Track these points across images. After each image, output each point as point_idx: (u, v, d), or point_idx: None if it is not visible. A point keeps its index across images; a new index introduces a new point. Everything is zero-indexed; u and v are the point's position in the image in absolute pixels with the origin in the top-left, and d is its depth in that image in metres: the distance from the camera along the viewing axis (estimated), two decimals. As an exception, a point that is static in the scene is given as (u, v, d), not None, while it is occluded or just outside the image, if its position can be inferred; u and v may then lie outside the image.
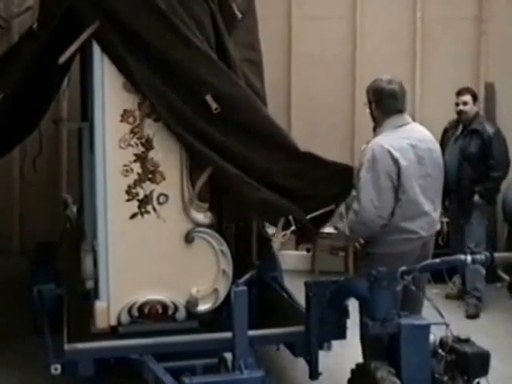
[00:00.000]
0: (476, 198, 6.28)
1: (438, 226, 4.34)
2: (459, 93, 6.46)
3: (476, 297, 6.30)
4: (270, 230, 5.58)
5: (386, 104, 4.11)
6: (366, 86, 4.27)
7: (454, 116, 6.51)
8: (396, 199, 4.01)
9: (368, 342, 4.08)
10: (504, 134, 6.41)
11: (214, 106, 3.96)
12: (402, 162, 3.98)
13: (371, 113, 4.20)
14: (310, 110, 7.52)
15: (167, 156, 4.13)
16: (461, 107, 6.38)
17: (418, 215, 4.06)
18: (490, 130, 6.35)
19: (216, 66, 4.03)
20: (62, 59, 4.06)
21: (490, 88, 7.67)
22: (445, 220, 7.21)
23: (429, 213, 4.11)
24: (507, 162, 6.38)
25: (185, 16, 4.00)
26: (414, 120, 4.34)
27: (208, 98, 3.93)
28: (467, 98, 6.39)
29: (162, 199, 4.15)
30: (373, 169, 3.97)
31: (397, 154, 3.98)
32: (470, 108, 6.37)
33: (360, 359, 3.86)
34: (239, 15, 4.30)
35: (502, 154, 6.33)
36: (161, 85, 3.98)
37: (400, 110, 4.15)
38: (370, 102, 4.18)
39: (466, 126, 6.38)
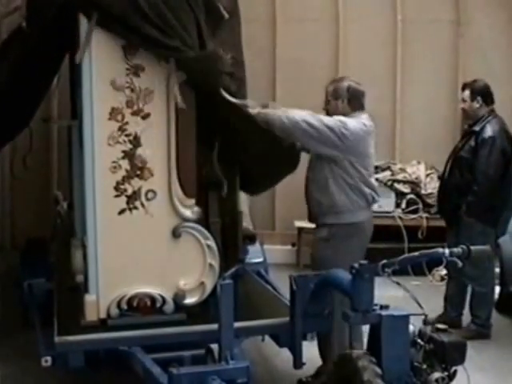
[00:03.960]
0: (460, 212, 5.57)
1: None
2: (462, 88, 5.82)
3: (477, 324, 5.75)
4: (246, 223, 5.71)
5: (357, 101, 4.63)
6: (329, 84, 4.71)
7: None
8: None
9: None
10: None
11: None
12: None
13: (335, 108, 4.63)
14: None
15: (155, 153, 4.18)
16: (461, 104, 5.79)
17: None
18: (487, 132, 5.55)
19: None
20: (78, 58, 4.02)
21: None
22: (424, 215, 7.38)
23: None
24: (488, 173, 5.51)
25: (171, 17, 4.01)
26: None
27: None
28: (466, 94, 5.69)
29: (150, 195, 4.20)
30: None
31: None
32: (468, 105, 5.67)
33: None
34: (226, 16, 4.34)
35: (483, 164, 5.51)
36: None
37: (364, 108, 4.70)
38: (336, 99, 4.62)
39: (471, 126, 5.70)
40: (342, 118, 4.51)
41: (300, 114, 4.45)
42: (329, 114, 4.63)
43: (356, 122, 4.51)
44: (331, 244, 4.52)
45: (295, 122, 4.40)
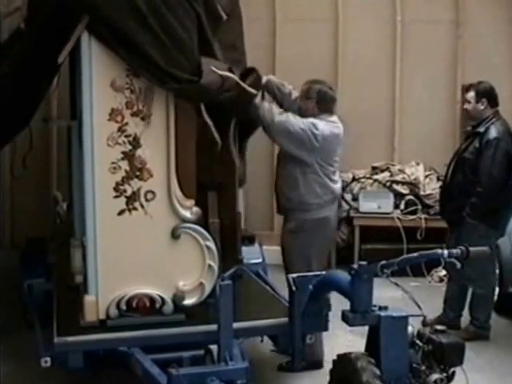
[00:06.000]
0: (464, 213, 5.50)
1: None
2: (466, 89, 5.84)
3: (476, 325, 5.73)
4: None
5: (326, 105, 4.97)
6: (304, 83, 5.01)
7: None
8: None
9: None
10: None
11: None
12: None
13: (305, 106, 4.96)
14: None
15: (154, 154, 4.20)
16: (465, 105, 5.75)
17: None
18: (492, 133, 5.50)
19: None
20: (61, 58, 4.09)
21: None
22: (423, 216, 7.39)
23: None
24: (492, 175, 5.46)
25: (170, 17, 4.04)
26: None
27: None
28: (470, 95, 5.64)
29: (149, 196, 4.21)
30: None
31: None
32: (472, 107, 5.61)
33: (341, 350, 3.96)
34: (224, 16, 4.34)
35: (487, 165, 5.46)
36: None
37: (333, 112, 5.03)
38: (307, 98, 4.94)
39: (475, 127, 5.64)
40: (313, 120, 4.86)
41: (285, 115, 4.83)
42: (300, 110, 5.00)
43: (325, 124, 4.88)
44: (299, 236, 4.91)
45: (278, 122, 4.78)
